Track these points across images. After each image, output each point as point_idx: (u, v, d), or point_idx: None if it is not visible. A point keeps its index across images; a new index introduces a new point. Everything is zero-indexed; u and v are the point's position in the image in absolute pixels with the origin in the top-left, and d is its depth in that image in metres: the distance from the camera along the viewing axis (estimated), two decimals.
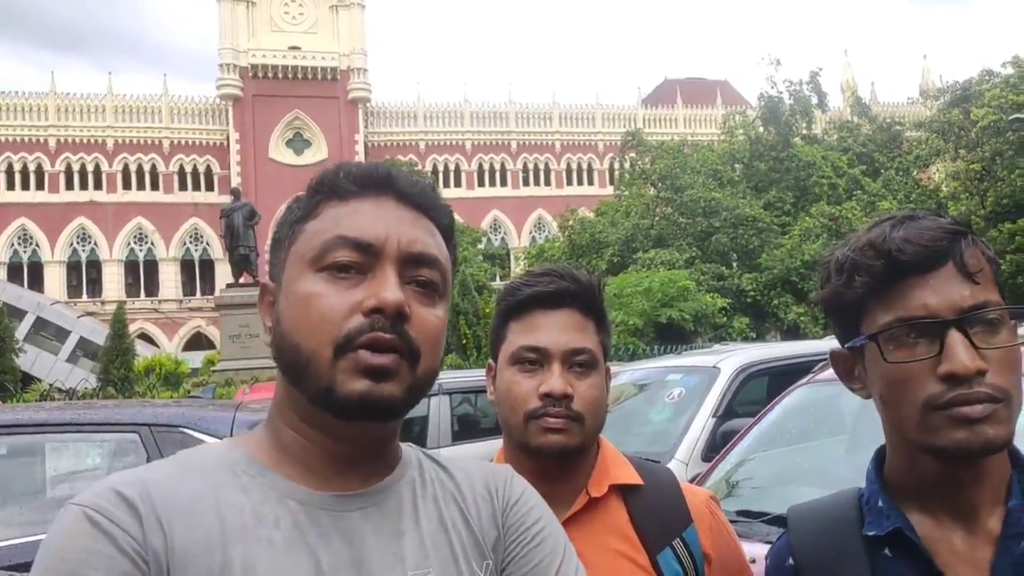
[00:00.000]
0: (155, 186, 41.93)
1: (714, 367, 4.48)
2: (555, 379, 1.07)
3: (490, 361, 1.20)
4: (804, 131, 32.66)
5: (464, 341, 21.47)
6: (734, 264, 28.65)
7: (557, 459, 1.09)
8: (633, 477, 1.14)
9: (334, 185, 0.77)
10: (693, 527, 1.12)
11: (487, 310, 21.08)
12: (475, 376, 6.87)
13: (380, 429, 0.75)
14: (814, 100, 32.81)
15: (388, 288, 0.71)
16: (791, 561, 0.92)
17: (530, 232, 45.44)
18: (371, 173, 0.77)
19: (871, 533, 0.85)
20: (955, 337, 0.78)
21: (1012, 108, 21.78)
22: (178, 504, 0.68)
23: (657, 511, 1.12)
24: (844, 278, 0.84)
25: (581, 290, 1.13)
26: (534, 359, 1.10)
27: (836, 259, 0.87)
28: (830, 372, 2.81)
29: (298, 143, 43.18)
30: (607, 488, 1.12)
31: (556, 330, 1.10)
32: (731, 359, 4.59)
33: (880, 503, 0.86)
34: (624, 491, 1.13)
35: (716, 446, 3.68)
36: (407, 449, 0.82)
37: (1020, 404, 0.80)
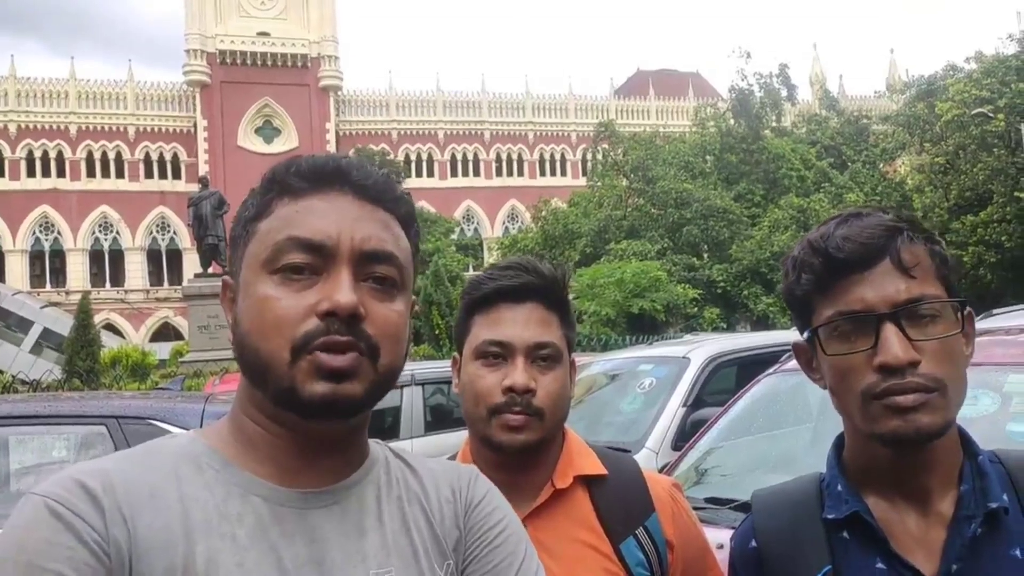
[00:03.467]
0: (120, 174, 41.02)
1: (684, 357, 4.54)
2: (518, 373, 1.08)
3: (455, 354, 1.20)
4: (774, 124, 33.01)
5: (437, 331, 21.41)
6: (705, 255, 28.93)
7: (519, 454, 1.10)
8: (597, 468, 1.16)
9: (285, 182, 0.75)
10: (655, 515, 1.14)
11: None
12: (447, 366, 6.87)
13: (345, 425, 0.75)
14: (783, 93, 33.18)
15: (341, 291, 0.70)
16: (754, 543, 0.95)
17: (503, 222, 45.36)
18: (322, 168, 0.75)
19: (830, 516, 0.89)
20: (889, 330, 0.82)
21: (975, 103, 22.22)
22: (141, 496, 0.67)
23: (620, 501, 1.14)
24: (794, 275, 0.89)
25: (545, 284, 1.13)
26: (498, 353, 1.10)
27: (791, 257, 0.91)
28: (796, 362, 2.85)
29: (268, 131, 42.51)
30: (572, 479, 1.13)
31: (520, 324, 1.10)
32: (701, 349, 4.65)
33: (839, 488, 0.90)
34: (588, 481, 1.15)
35: (686, 435, 3.73)
36: (375, 447, 0.81)
37: (959, 393, 0.84)
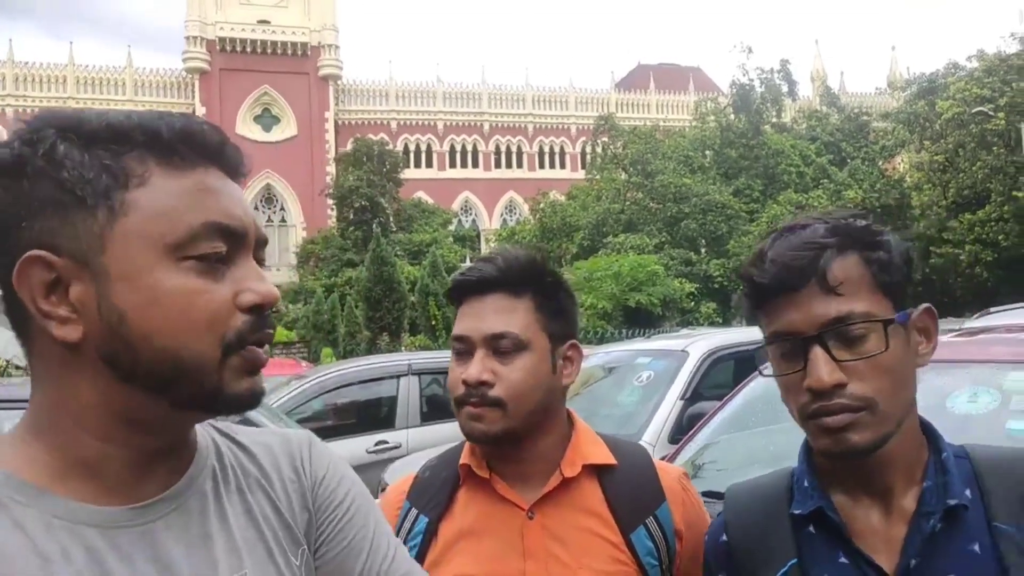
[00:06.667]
0: None
1: (683, 351, 4.53)
2: (471, 367, 1.09)
3: None
4: (774, 119, 33.00)
5: (433, 322, 21.43)
6: (702, 250, 28.97)
7: (490, 445, 1.11)
8: (607, 457, 1.15)
9: (162, 146, 0.63)
10: (666, 504, 1.14)
11: None
12: (444, 356, 6.86)
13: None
14: (784, 88, 33.16)
15: (264, 281, 0.65)
16: (724, 537, 0.97)
17: (501, 214, 45.34)
18: (209, 139, 0.66)
19: (797, 511, 0.90)
20: (816, 353, 0.83)
21: (976, 101, 22.20)
22: None
23: (630, 490, 1.13)
24: (743, 290, 0.92)
25: (503, 274, 1.12)
26: (461, 348, 1.12)
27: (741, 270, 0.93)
28: None
29: (267, 119, 42.42)
30: (580, 468, 1.13)
31: (477, 317, 1.11)
32: (699, 343, 4.63)
33: (806, 483, 0.91)
34: (598, 470, 1.14)
35: (683, 428, 3.72)
36: (201, 432, 0.72)
37: (896, 405, 0.83)
